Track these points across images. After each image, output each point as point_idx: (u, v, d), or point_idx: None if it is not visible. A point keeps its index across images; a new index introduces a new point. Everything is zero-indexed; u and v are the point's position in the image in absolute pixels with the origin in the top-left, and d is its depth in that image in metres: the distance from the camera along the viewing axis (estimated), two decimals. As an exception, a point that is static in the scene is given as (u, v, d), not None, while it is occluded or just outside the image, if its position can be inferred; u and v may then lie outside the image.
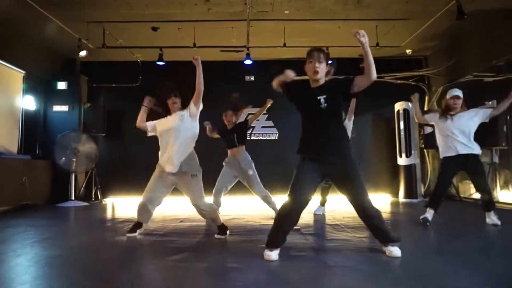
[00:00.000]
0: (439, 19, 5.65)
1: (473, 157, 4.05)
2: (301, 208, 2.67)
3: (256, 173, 4.71)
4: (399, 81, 8.03)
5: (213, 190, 4.78)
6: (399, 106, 7.67)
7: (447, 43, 7.28)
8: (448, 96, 4.24)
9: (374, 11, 5.45)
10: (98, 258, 2.84)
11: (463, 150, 4.03)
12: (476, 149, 4.06)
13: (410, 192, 7.42)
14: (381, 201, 7.40)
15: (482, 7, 5.36)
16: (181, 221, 4.70)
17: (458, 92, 4.18)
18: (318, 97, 2.65)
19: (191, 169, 3.50)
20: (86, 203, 7.13)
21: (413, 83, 8.09)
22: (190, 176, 3.48)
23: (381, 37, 6.57)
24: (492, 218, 4.03)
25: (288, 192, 2.69)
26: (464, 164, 4.09)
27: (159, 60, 6.81)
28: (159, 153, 3.62)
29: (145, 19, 5.99)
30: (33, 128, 7.44)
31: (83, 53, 6.42)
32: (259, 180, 4.72)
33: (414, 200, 7.29)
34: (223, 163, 4.89)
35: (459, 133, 4.06)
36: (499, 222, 3.98)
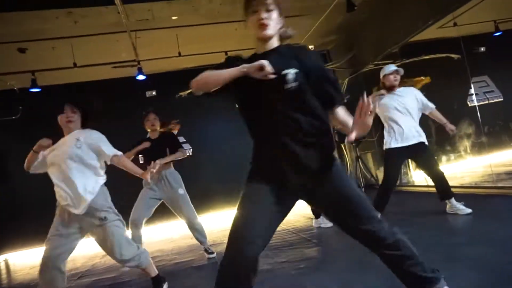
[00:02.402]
0: (333, 13, 5.56)
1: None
2: (248, 267, 1.53)
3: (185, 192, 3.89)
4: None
5: (130, 222, 3.66)
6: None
7: (345, 36, 7.36)
8: (386, 73, 3.91)
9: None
10: None
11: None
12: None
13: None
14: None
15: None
16: (78, 278, 3.91)
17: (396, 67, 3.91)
18: (285, 71, 1.55)
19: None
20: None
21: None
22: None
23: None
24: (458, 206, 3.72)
25: (228, 241, 1.55)
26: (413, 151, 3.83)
27: (32, 87, 5.79)
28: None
29: (8, 39, 5.02)
30: None
31: None
32: (189, 200, 3.89)
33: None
34: (143, 184, 3.84)
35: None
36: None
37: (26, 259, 6.02)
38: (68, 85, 6.74)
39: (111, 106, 6.75)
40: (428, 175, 3.87)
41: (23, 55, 5.45)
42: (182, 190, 3.85)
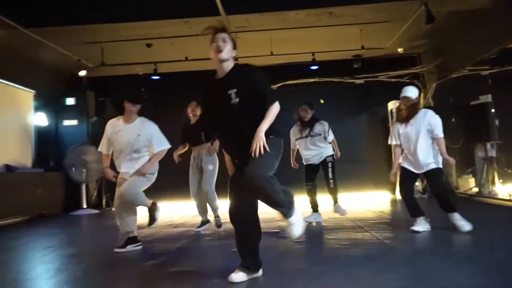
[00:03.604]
0: (418, 21, 5.78)
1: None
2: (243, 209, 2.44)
3: (215, 169, 4.53)
4: (393, 80, 8.15)
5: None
6: (391, 105, 7.79)
7: (435, 40, 7.37)
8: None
9: (349, 19, 5.66)
10: (80, 265, 3.19)
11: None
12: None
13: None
14: (381, 199, 7.58)
15: (452, 8, 5.46)
16: (174, 227, 5.05)
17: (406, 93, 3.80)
18: (229, 92, 2.27)
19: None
20: (97, 211, 7.63)
21: (407, 80, 8.19)
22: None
23: (369, 39, 6.75)
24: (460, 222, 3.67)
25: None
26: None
27: (154, 75, 7.21)
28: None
29: (138, 37, 6.39)
30: (46, 143, 8.00)
31: (82, 73, 6.90)
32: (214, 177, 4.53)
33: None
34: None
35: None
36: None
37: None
38: (180, 73, 8.12)
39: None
40: None
41: (148, 49, 6.85)
42: (211, 166, 4.48)
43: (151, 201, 3.64)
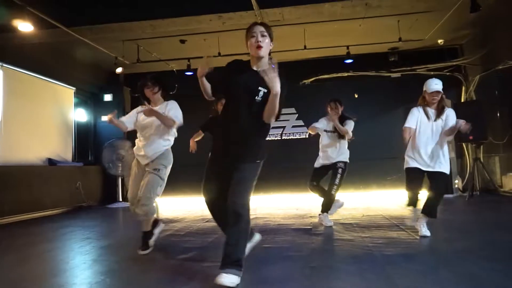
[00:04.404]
0: (461, 10, 5.46)
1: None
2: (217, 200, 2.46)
3: None
4: (432, 73, 7.79)
5: None
6: (430, 99, 7.46)
7: (479, 31, 6.96)
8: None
9: (387, 10, 5.44)
10: (115, 257, 3.27)
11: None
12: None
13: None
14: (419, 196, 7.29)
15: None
16: (206, 221, 5.09)
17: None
18: (260, 88, 2.28)
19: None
20: (132, 204, 7.85)
21: (447, 73, 7.81)
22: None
23: (407, 31, 6.48)
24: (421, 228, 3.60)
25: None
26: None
27: (187, 70, 7.29)
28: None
29: (173, 33, 6.47)
30: (85, 138, 8.33)
31: (119, 70, 7.08)
32: None
33: (450, 196, 7.08)
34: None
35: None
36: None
37: (170, 203, 7.69)
38: (214, 69, 8.15)
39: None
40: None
41: (182, 45, 6.93)
42: None
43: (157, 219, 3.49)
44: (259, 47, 2.29)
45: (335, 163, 4.40)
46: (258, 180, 2.44)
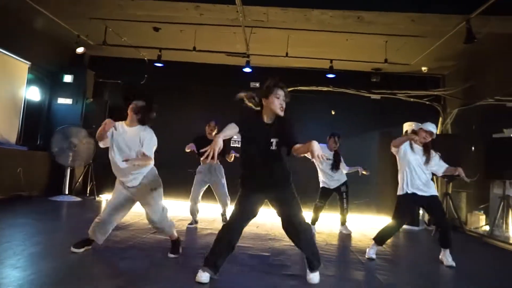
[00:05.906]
0: (452, 39, 5.24)
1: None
2: (244, 220, 2.86)
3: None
4: (412, 99, 7.60)
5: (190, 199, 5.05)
6: (407, 126, 7.22)
7: (465, 64, 6.82)
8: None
9: (378, 28, 5.12)
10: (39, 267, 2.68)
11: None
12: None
13: (411, 219, 6.97)
14: (380, 224, 7.01)
15: (496, 30, 4.91)
16: (153, 232, 4.52)
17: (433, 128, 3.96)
18: (272, 140, 2.73)
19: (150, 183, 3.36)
20: (79, 199, 7.12)
21: (427, 102, 7.64)
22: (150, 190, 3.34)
23: (393, 53, 6.21)
24: (447, 258, 3.88)
25: (235, 207, 2.87)
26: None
27: (157, 61, 6.69)
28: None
29: (147, 19, 5.88)
30: (36, 119, 7.51)
31: (80, 50, 6.41)
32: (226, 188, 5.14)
33: (416, 228, 6.86)
34: (196, 172, 5.09)
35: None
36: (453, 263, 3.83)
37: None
38: (186, 63, 7.62)
39: (218, 89, 7.43)
40: None
41: (156, 33, 6.34)
42: (224, 180, 5.04)
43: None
44: (282, 109, 2.74)
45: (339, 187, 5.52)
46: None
